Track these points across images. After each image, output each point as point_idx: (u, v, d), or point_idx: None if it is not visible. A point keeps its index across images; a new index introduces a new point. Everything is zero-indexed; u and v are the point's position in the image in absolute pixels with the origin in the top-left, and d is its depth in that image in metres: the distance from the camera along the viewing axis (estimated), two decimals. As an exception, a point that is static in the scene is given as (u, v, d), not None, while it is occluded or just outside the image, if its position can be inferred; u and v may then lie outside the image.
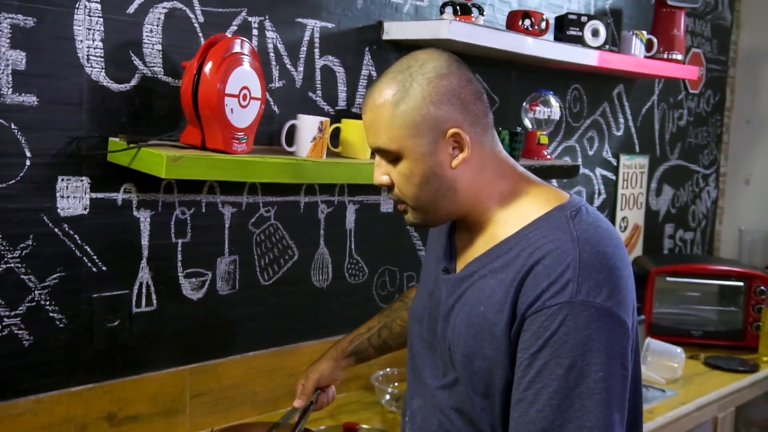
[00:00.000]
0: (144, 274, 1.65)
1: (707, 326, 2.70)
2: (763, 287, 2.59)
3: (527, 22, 2.13)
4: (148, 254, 1.65)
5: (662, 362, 2.30)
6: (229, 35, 1.60)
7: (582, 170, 2.74)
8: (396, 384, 2.03)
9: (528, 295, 1.10)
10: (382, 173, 1.22)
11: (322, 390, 1.62)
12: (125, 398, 1.64)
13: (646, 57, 2.60)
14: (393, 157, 1.19)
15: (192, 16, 1.65)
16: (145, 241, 1.64)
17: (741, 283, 2.66)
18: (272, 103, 1.81)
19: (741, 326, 2.64)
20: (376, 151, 1.22)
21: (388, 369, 2.08)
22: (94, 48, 1.52)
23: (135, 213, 1.62)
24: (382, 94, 1.17)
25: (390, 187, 1.23)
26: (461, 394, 1.23)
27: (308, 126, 1.68)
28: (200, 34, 1.66)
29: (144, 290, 1.66)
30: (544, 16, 2.16)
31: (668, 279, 2.72)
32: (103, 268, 1.59)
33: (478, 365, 1.17)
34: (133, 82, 1.58)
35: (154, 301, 1.67)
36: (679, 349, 2.33)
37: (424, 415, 1.31)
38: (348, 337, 1.66)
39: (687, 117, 3.26)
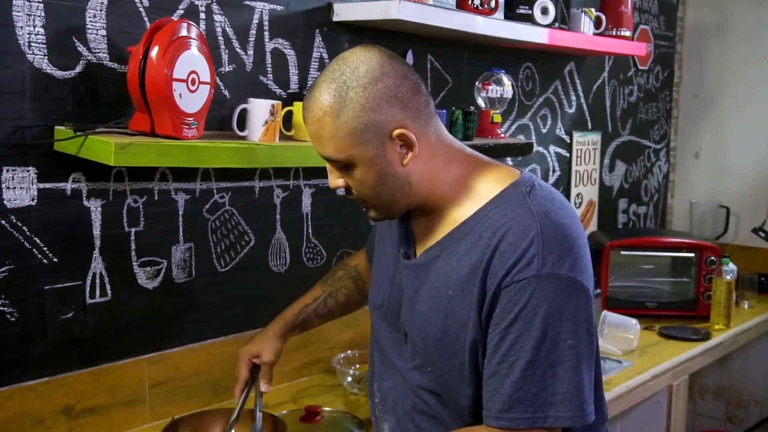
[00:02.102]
0: (97, 265, 1.62)
1: (661, 297, 2.76)
2: (713, 257, 2.65)
3: (477, 1, 2.13)
4: (101, 244, 1.62)
5: (618, 334, 2.35)
6: (176, 19, 1.58)
7: (536, 148, 2.76)
8: (357, 366, 2.04)
9: (496, 274, 1.13)
10: (336, 178, 1.23)
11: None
12: (82, 391, 1.61)
13: (595, 34, 2.62)
14: (344, 165, 1.19)
15: (137, 0, 1.62)
16: (96, 231, 1.62)
17: (692, 255, 2.72)
18: (222, 88, 1.79)
19: (693, 296, 2.70)
20: (326, 160, 1.22)
21: (349, 351, 2.08)
22: (36, 34, 1.48)
23: (85, 202, 1.59)
24: (319, 107, 1.15)
25: (348, 189, 1.24)
26: (433, 376, 1.24)
27: (260, 110, 1.67)
28: (146, 19, 1.63)
29: (98, 281, 1.63)
30: (494, -5, 2.17)
31: (623, 253, 2.77)
32: (54, 259, 1.56)
33: (453, 348, 1.19)
34: (78, 69, 1.54)
35: (109, 292, 1.65)
36: (634, 321, 2.38)
37: (395, 396, 1.32)
38: (292, 309, 1.64)
39: (637, 93, 3.31)
